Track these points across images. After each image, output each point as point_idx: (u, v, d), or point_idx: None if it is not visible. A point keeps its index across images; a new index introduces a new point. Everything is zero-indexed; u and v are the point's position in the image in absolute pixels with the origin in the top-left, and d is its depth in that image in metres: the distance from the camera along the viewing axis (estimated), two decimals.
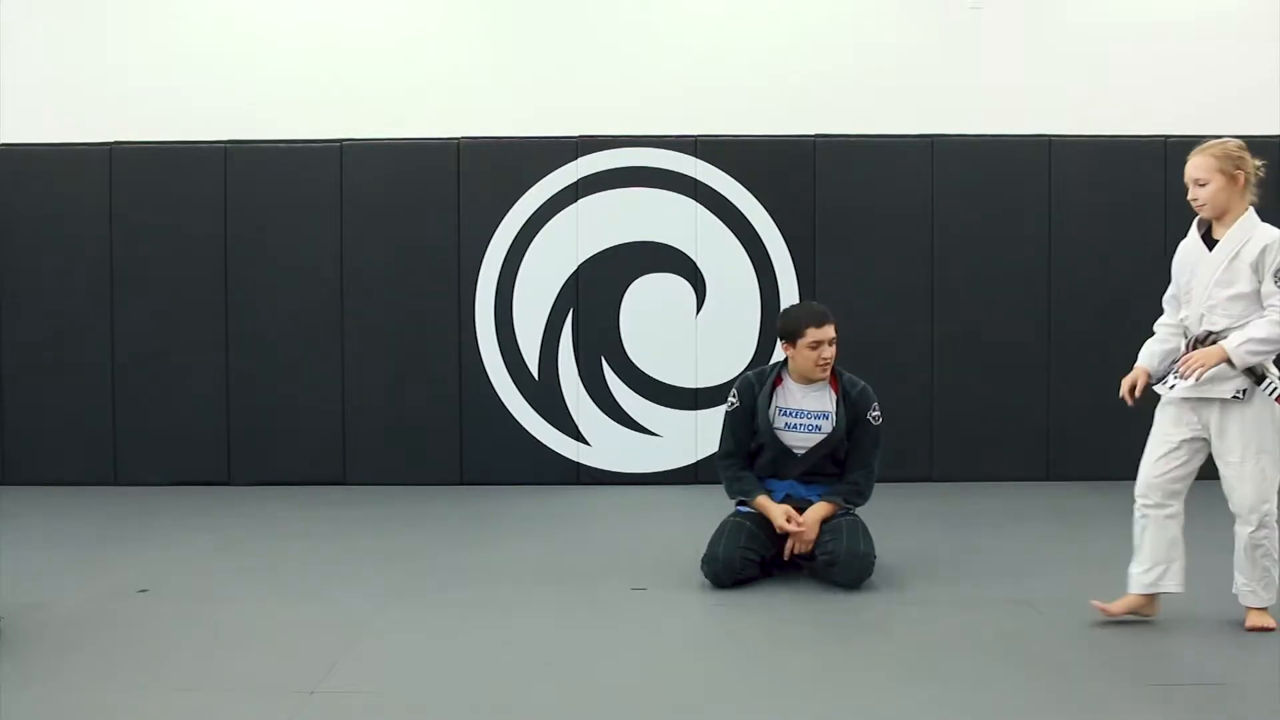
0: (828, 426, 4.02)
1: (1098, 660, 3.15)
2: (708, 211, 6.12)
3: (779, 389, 4.08)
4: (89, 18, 6.58)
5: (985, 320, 6.11)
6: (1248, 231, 3.30)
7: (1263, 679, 2.99)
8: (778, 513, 3.95)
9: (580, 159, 6.14)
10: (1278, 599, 3.37)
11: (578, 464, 6.18)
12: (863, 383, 4.11)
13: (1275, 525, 3.31)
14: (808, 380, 4.04)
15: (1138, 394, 3.42)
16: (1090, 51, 6.54)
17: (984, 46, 6.55)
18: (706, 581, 3.95)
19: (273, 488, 6.04)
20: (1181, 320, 3.40)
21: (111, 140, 6.21)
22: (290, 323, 6.17)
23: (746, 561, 3.92)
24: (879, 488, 4.18)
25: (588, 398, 6.16)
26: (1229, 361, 3.18)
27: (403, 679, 3.06)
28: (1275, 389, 3.21)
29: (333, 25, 6.59)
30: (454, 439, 6.16)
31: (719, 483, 4.24)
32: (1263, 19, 6.50)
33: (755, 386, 4.10)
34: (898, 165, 6.15)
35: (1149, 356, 3.50)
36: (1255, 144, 6.31)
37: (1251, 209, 3.35)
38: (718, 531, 4.01)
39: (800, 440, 4.03)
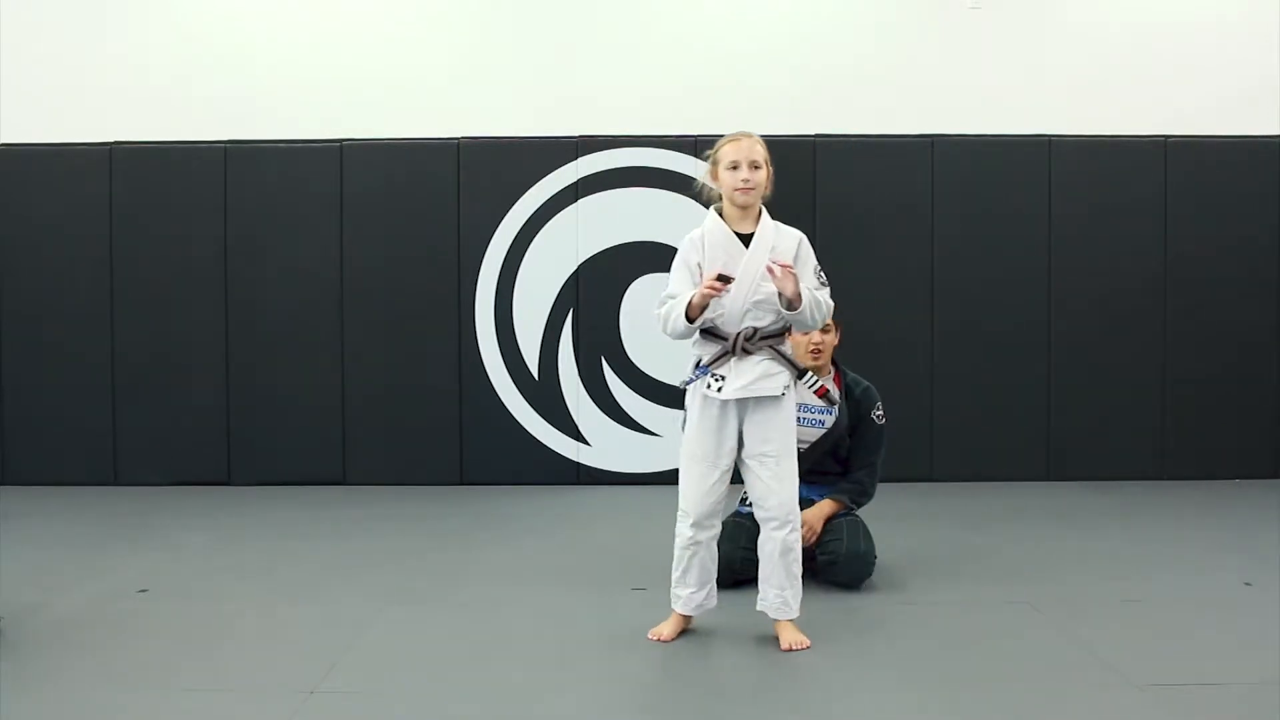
0: (829, 421, 4.02)
1: (1097, 660, 3.15)
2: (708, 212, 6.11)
3: None
4: (89, 18, 6.58)
5: (985, 320, 6.12)
6: (774, 227, 3.26)
7: (1263, 679, 2.99)
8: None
9: (580, 159, 6.14)
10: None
11: (578, 464, 6.18)
12: (866, 383, 4.14)
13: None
14: (812, 370, 4.06)
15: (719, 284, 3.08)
16: (1090, 51, 6.54)
17: (984, 46, 6.56)
18: None
19: (273, 488, 6.04)
20: (713, 319, 3.19)
21: (111, 140, 6.21)
22: (290, 323, 6.17)
23: (747, 561, 3.91)
24: (879, 487, 4.19)
25: (588, 398, 6.16)
26: (791, 295, 3.07)
27: (403, 679, 3.06)
28: (816, 380, 3.35)
29: (332, 25, 6.59)
30: (454, 439, 6.16)
31: None
32: (1263, 19, 6.51)
33: None
34: (898, 165, 6.16)
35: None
36: (1255, 144, 6.41)
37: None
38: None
39: (803, 434, 4.03)
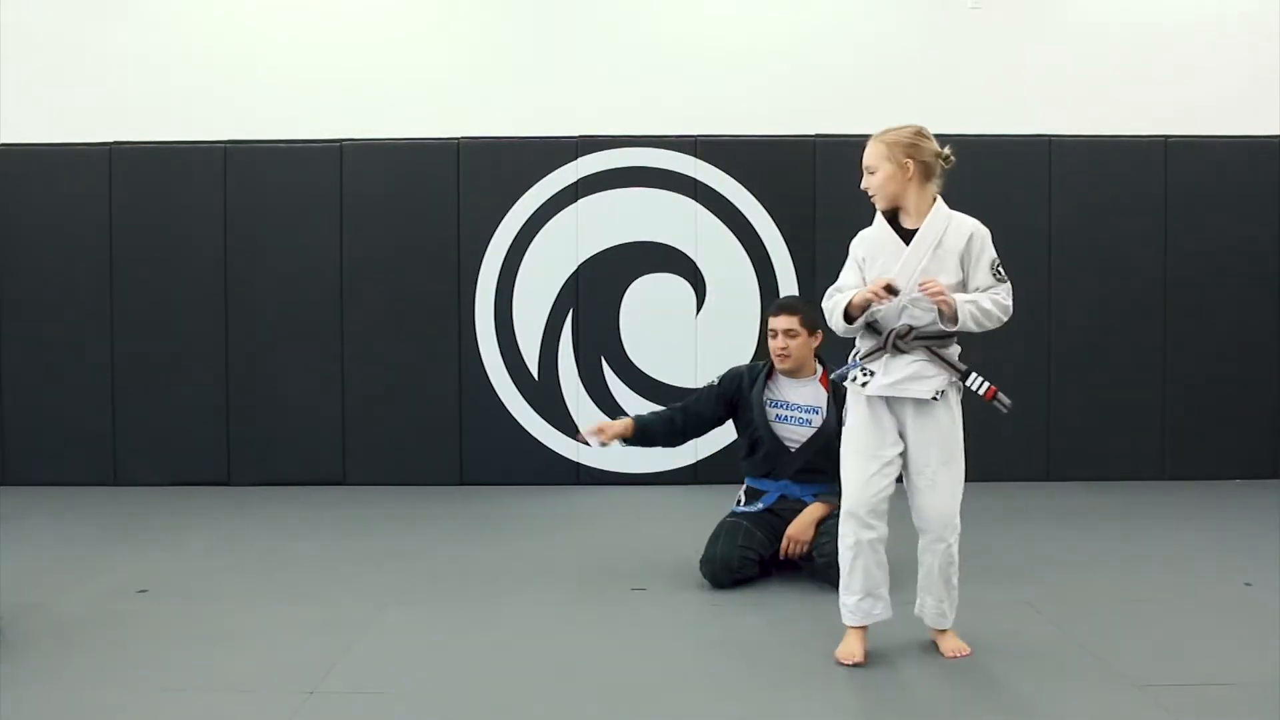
0: (818, 421, 4.03)
1: (1097, 660, 3.15)
2: (708, 211, 6.12)
3: (770, 383, 4.12)
4: (89, 18, 6.58)
5: None
6: (945, 220, 3.12)
7: (1263, 679, 2.99)
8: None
9: (580, 159, 6.14)
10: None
11: (578, 464, 6.18)
12: None
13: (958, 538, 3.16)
14: (785, 372, 4.08)
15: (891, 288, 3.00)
16: (1090, 51, 6.54)
17: (984, 46, 6.55)
18: (706, 581, 3.95)
19: (273, 488, 6.04)
20: (872, 314, 3.09)
21: (111, 140, 6.21)
22: (290, 323, 6.17)
23: (745, 561, 3.92)
24: None
25: (588, 398, 6.16)
26: (946, 315, 2.98)
27: (402, 679, 3.06)
28: (983, 382, 3.05)
29: (333, 25, 6.59)
30: (454, 439, 6.16)
31: (718, 483, 4.26)
32: (1262, 19, 6.51)
33: (744, 378, 4.18)
34: None
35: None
36: (1255, 144, 6.40)
37: (939, 198, 3.15)
38: (715, 531, 4.02)
39: (793, 433, 4.04)
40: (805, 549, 3.95)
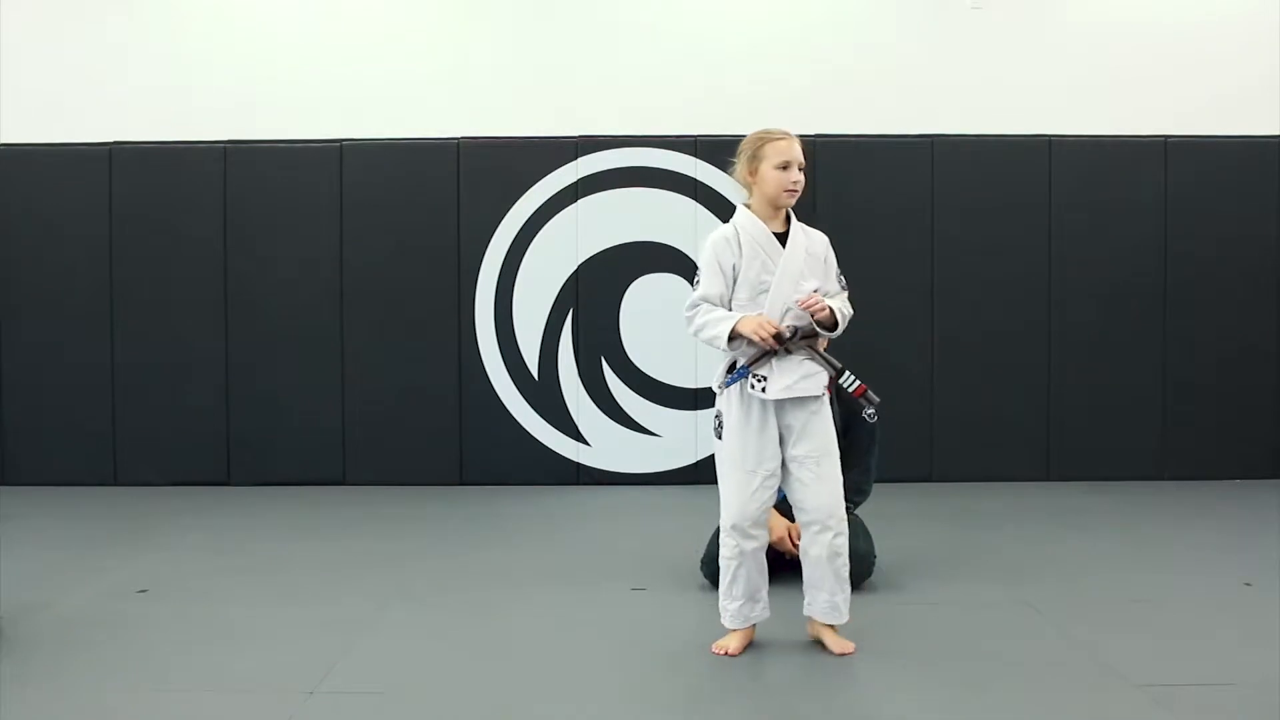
0: None
1: (1097, 660, 3.15)
2: (708, 211, 6.12)
3: None
4: (89, 18, 6.58)
5: (985, 320, 6.12)
6: (801, 227, 3.24)
7: (1263, 679, 2.99)
8: (779, 524, 3.93)
9: (580, 159, 6.14)
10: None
11: (578, 464, 6.18)
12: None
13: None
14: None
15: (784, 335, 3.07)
16: (1090, 51, 6.54)
17: (984, 46, 6.56)
18: (706, 581, 3.95)
19: (272, 488, 6.04)
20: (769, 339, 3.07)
21: (111, 140, 6.21)
22: (290, 323, 6.17)
23: None
24: (879, 487, 4.19)
25: (588, 398, 6.16)
26: (827, 324, 3.11)
27: (403, 679, 3.06)
28: (854, 380, 3.10)
29: (333, 25, 6.59)
30: (454, 439, 6.17)
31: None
32: (1263, 19, 6.51)
33: None
34: (898, 165, 6.16)
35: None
36: (1255, 144, 6.40)
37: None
38: (717, 532, 4.01)
39: None
40: None
